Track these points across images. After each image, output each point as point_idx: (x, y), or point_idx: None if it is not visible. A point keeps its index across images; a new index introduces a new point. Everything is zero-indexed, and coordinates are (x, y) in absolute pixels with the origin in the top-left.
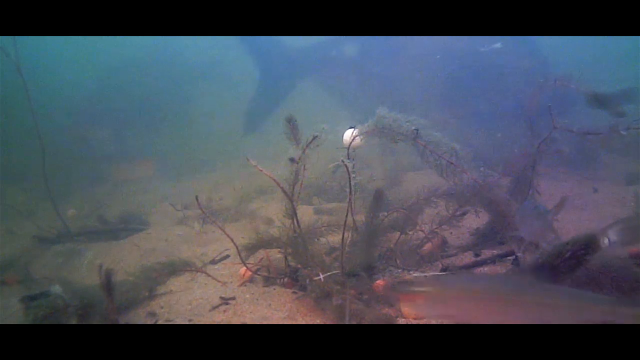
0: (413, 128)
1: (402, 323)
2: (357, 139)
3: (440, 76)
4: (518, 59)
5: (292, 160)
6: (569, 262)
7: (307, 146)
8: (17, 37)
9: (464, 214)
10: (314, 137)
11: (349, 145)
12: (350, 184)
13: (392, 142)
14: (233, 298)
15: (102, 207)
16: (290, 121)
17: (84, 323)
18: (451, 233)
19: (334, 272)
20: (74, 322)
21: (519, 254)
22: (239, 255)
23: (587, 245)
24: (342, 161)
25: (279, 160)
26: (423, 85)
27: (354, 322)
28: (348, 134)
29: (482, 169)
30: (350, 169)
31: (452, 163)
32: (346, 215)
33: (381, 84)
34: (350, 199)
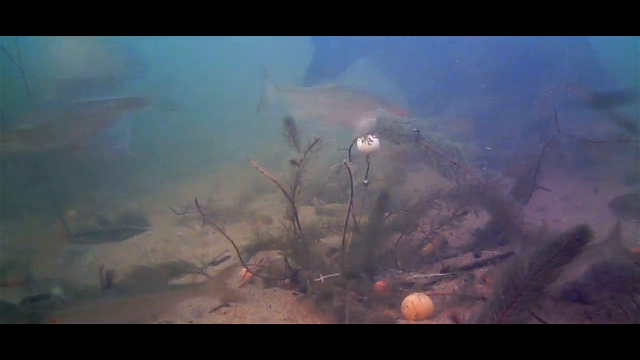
0: (414, 129)
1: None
2: (366, 144)
3: (494, 65)
4: (570, 49)
5: (293, 162)
6: (565, 253)
7: (308, 149)
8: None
9: (464, 213)
10: (316, 140)
11: (350, 148)
12: (352, 186)
13: (394, 143)
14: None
15: (102, 207)
16: (289, 122)
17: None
18: (451, 233)
19: (335, 274)
20: None
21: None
22: (239, 257)
23: (581, 235)
24: (345, 163)
25: (281, 161)
26: (481, 73)
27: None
28: (360, 142)
29: (484, 168)
30: (352, 172)
31: (454, 163)
32: (347, 217)
33: (440, 70)
34: (351, 201)
